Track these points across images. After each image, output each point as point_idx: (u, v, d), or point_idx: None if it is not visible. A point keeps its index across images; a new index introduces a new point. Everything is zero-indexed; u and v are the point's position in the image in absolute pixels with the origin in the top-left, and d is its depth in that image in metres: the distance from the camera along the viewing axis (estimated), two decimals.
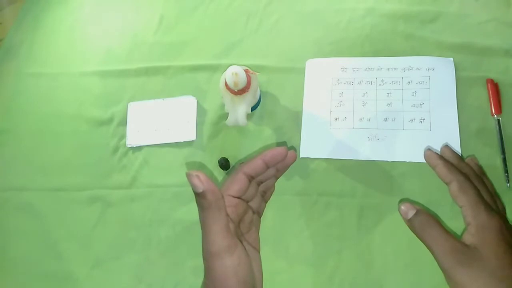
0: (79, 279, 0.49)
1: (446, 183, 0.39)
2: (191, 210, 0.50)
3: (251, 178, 0.37)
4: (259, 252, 0.37)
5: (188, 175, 0.30)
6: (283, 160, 0.38)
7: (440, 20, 0.53)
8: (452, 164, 0.40)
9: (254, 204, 0.39)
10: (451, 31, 0.52)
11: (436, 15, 0.54)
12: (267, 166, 0.37)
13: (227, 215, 0.32)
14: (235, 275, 0.30)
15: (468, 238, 0.35)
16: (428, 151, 0.42)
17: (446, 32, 0.52)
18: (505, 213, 0.41)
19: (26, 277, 0.50)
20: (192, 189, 0.31)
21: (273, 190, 0.42)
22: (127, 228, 0.51)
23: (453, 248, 0.34)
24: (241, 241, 0.34)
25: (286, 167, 0.40)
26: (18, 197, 0.54)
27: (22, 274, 0.51)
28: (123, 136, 0.55)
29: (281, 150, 0.37)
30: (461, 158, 0.44)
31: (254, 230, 0.38)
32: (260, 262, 0.36)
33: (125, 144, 0.55)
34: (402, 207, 0.38)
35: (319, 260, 0.45)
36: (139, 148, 0.54)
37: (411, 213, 0.38)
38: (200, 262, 0.47)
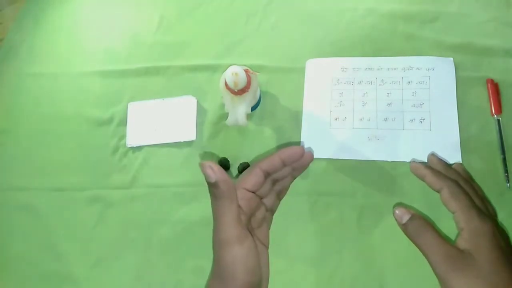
0: (79, 279, 0.49)
1: (437, 191, 0.39)
2: (191, 210, 0.50)
3: (267, 174, 0.37)
4: (267, 249, 0.37)
5: (201, 165, 0.30)
6: (299, 159, 0.38)
7: (440, 20, 0.53)
8: (440, 172, 0.41)
9: (267, 201, 0.39)
10: (451, 31, 0.52)
11: (436, 15, 0.54)
12: (284, 164, 0.38)
13: (239, 206, 0.33)
14: (244, 265, 0.31)
15: (461, 243, 0.35)
16: (414, 163, 0.43)
17: (446, 32, 0.52)
18: (496, 216, 0.41)
19: (26, 277, 0.50)
20: (205, 179, 0.32)
21: (288, 185, 0.42)
22: (127, 228, 0.51)
23: (447, 254, 0.35)
24: (251, 235, 0.35)
25: (303, 167, 0.40)
26: (18, 197, 0.55)
27: (22, 274, 0.51)
28: (123, 136, 0.55)
29: (298, 149, 0.38)
30: (448, 165, 0.44)
31: (265, 226, 0.39)
32: (268, 259, 0.36)
33: (125, 144, 0.55)
34: (397, 212, 0.38)
35: (319, 260, 0.45)
36: (139, 148, 0.54)
37: (405, 218, 0.38)
38: (200, 261, 0.47)
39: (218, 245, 0.32)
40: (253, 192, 0.37)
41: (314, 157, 0.49)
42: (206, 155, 0.52)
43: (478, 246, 0.35)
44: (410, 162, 0.44)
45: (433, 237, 0.36)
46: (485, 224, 0.36)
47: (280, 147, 0.51)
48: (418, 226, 0.37)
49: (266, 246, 0.37)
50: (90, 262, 0.50)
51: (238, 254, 0.31)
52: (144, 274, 0.48)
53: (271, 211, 0.40)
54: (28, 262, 0.51)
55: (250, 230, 0.35)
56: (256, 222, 0.37)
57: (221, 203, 0.31)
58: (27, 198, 0.54)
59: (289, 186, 0.42)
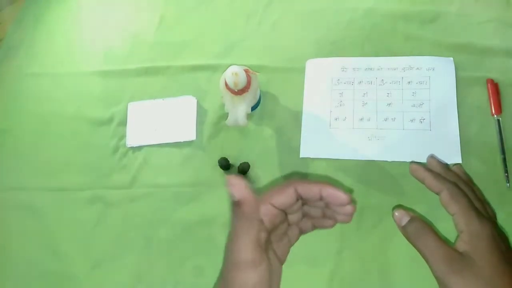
0: (79, 279, 0.49)
1: (437, 193, 0.39)
2: (191, 210, 0.50)
3: (299, 197, 0.34)
4: (282, 265, 0.35)
5: (227, 182, 0.28)
6: (338, 205, 0.33)
7: (440, 20, 0.53)
8: (439, 174, 0.41)
9: (293, 217, 0.36)
10: (451, 31, 0.52)
11: (436, 15, 0.54)
12: (321, 198, 0.34)
13: (260, 227, 0.30)
14: None
15: (461, 246, 0.35)
16: (413, 165, 0.42)
17: (446, 32, 0.52)
18: (496, 218, 0.41)
19: (26, 277, 0.50)
20: (229, 195, 0.30)
21: (328, 227, 0.36)
22: (127, 228, 0.51)
23: (446, 256, 0.35)
24: (268, 251, 0.33)
25: (336, 209, 0.35)
26: (18, 197, 0.54)
27: (22, 274, 0.51)
28: (123, 136, 0.55)
29: (343, 196, 0.33)
30: (448, 167, 0.44)
31: (286, 242, 0.36)
32: (280, 276, 0.34)
33: (125, 144, 0.55)
34: (396, 214, 0.38)
35: (319, 260, 0.45)
36: (139, 148, 0.54)
37: (404, 220, 0.38)
38: (200, 261, 0.47)
39: (230, 264, 0.30)
40: (280, 209, 0.34)
41: (314, 157, 0.49)
42: (206, 155, 0.52)
43: (477, 248, 0.35)
44: (409, 163, 0.43)
45: (432, 240, 0.36)
46: (484, 226, 0.36)
47: (280, 147, 0.51)
48: (417, 229, 0.37)
49: (282, 262, 0.35)
50: (90, 262, 0.50)
51: (250, 279, 0.29)
52: (144, 274, 0.48)
53: (300, 229, 0.37)
54: (28, 262, 0.51)
55: (268, 244, 0.33)
56: (276, 236, 0.35)
57: (241, 224, 0.29)
58: (27, 198, 0.54)
59: (317, 216, 0.36)
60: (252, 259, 0.29)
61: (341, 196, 0.33)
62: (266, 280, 0.30)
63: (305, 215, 0.37)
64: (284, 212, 0.35)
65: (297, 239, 0.38)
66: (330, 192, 0.33)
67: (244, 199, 0.28)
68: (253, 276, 0.29)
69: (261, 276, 0.29)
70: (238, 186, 0.28)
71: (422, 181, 0.41)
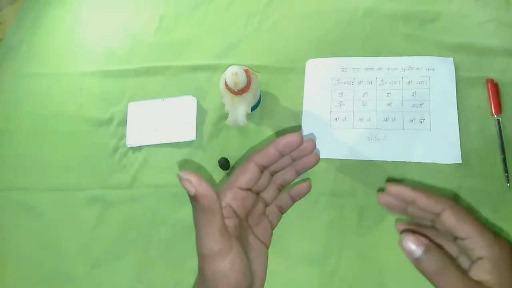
0: (79, 279, 0.49)
1: (436, 214, 0.32)
2: (191, 210, 0.50)
3: (262, 168, 0.34)
4: (267, 247, 0.35)
5: (180, 179, 0.28)
6: (297, 148, 0.34)
7: (440, 20, 0.53)
8: (429, 192, 0.33)
9: (267, 195, 0.36)
10: (451, 31, 0.52)
11: (436, 15, 0.54)
12: (281, 155, 0.34)
13: (222, 216, 0.30)
14: (226, 279, 0.29)
15: (480, 274, 0.30)
16: (393, 186, 0.34)
17: (446, 32, 0.52)
18: None
19: (26, 277, 0.50)
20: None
21: (305, 192, 0.38)
22: (127, 228, 0.51)
23: None
24: (245, 237, 0.33)
25: (302, 156, 0.36)
26: (18, 197, 0.55)
27: (22, 274, 0.51)
28: (123, 136, 0.55)
29: (295, 137, 0.33)
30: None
31: (266, 223, 0.36)
32: (266, 258, 0.35)
33: (125, 144, 0.55)
34: (406, 242, 0.31)
35: (319, 260, 0.45)
36: (139, 148, 0.54)
37: (419, 251, 0.30)
38: None
39: (201, 257, 0.30)
40: (248, 189, 0.34)
41: None
42: (206, 155, 0.52)
43: (503, 279, 0.30)
44: (384, 188, 0.35)
45: (454, 276, 0.29)
46: (505, 249, 0.31)
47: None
48: (437, 262, 0.29)
49: (266, 245, 0.35)
50: (90, 262, 0.50)
51: (220, 269, 0.29)
52: (144, 274, 0.48)
53: (279, 207, 0.37)
54: (28, 262, 0.51)
55: (246, 229, 0.34)
56: (254, 219, 0.35)
57: (202, 217, 0.29)
58: (27, 198, 0.54)
59: (307, 187, 0.38)
60: (219, 248, 0.29)
61: (292, 138, 0.33)
62: (238, 266, 0.30)
63: (279, 187, 0.37)
64: (255, 193, 0.35)
65: (279, 219, 0.38)
66: (283, 142, 0.33)
67: (200, 192, 0.28)
68: (224, 264, 0.29)
69: (233, 262, 0.30)
70: (192, 180, 0.27)
71: (412, 203, 0.33)
